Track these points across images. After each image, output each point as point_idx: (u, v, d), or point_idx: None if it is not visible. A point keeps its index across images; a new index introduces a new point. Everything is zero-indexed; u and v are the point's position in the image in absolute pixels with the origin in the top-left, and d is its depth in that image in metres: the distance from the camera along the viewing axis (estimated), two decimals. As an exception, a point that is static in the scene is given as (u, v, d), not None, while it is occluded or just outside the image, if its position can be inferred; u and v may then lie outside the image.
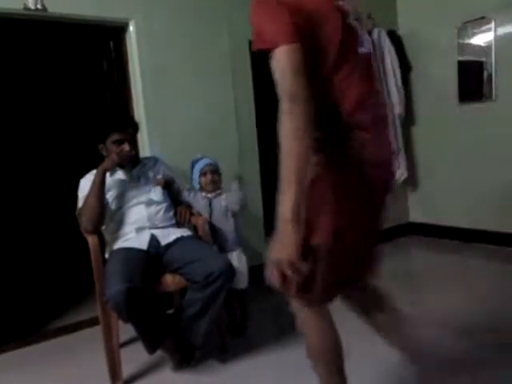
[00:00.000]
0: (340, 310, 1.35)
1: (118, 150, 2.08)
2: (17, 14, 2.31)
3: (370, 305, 1.43)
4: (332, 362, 1.30)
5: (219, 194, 2.31)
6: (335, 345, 1.30)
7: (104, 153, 2.13)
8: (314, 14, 1.10)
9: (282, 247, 1.06)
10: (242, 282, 2.26)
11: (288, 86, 1.05)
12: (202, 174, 2.29)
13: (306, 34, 1.07)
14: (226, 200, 2.29)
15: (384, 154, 1.27)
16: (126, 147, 2.09)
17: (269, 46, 1.06)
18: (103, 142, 2.11)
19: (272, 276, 1.08)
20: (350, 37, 1.16)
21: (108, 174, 2.11)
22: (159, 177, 2.24)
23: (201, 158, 2.36)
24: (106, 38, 2.74)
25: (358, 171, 1.16)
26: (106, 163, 2.06)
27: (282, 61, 1.05)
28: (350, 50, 1.16)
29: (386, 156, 1.30)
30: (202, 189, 2.34)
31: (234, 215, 2.31)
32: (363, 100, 1.17)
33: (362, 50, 1.21)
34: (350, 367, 1.33)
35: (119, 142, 2.08)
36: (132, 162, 2.19)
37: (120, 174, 2.18)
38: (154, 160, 2.35)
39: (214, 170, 2.29)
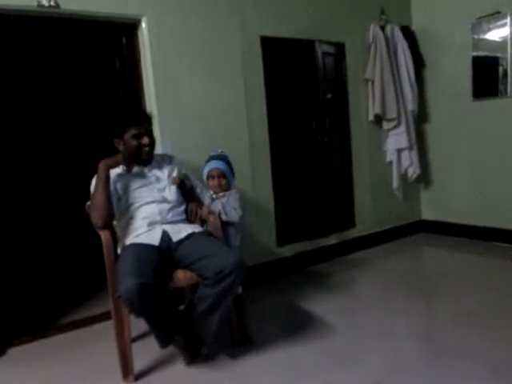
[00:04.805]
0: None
1: (137, 143, 2.12)
2: (30, 11, 2.33)
3: None
4: None
5: (222, 196, 2.28)
6: None
7: (120, 147, 2.15)
8: None
9: None
10: None
11: None
12: (210, 176, 2.30)
13: None
14: (222, 206, 2.23)
15: None
16: (145, 140, 2.13)
17: None
18: (120, 137, 2.13)
19: None
20: None
21: (122, 169, 2.15)
22: (175, 176, 2.26)
23: (213, 158, 2.33)
24: (119, 35, 2.75)
25: None
26: (110, 160, 2.08)
27: None
28: None
29: None
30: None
31: (228, 223, 2.24)
32: None
33: None
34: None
35: (137, 136, 2.12)
36: (148, 158, 2.19)
37: (136, 170, 2.19)
38: (169, 158, 2.35)
39: (221, 174, 2.27)
